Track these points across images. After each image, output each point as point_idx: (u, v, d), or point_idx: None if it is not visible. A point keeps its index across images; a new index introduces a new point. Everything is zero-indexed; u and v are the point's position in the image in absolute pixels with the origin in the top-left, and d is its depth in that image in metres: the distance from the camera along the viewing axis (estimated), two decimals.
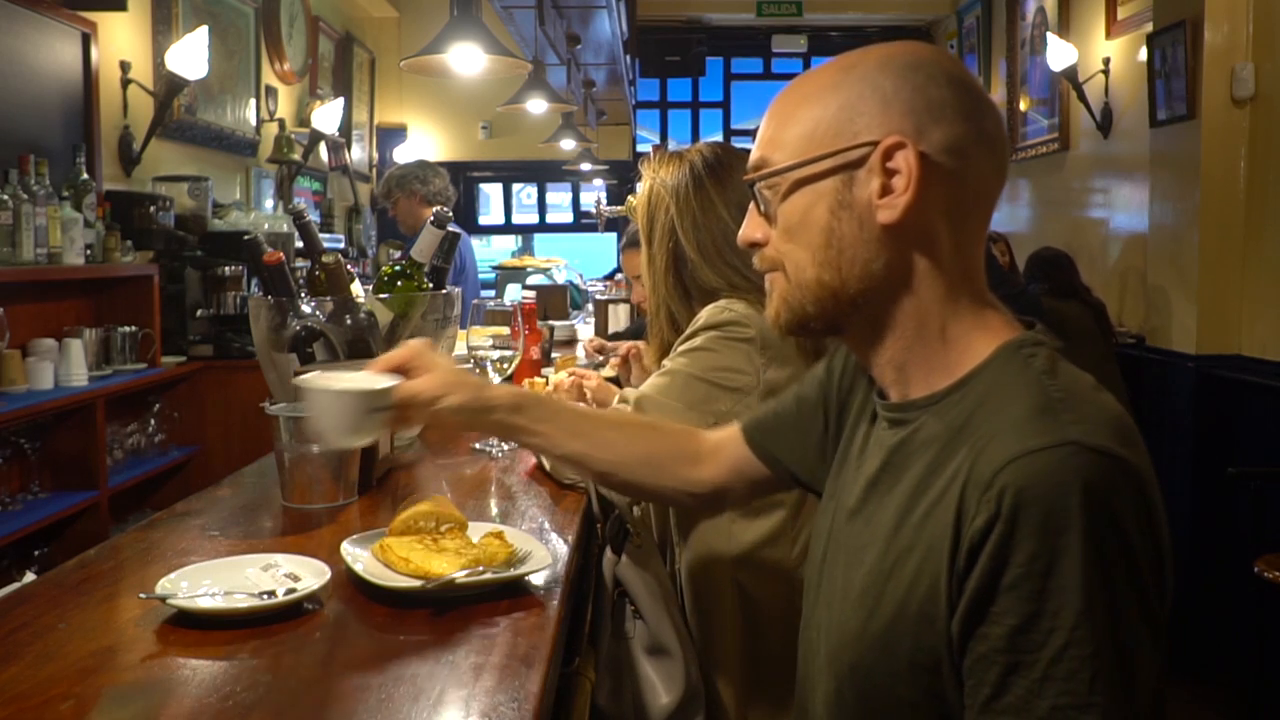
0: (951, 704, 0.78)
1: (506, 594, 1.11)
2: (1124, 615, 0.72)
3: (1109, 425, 0.76)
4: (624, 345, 2.39)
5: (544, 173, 7.84)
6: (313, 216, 3.31)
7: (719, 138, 8.16)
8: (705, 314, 1.54)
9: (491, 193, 8.37)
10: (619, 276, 5.13)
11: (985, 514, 0.74)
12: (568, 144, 5.73)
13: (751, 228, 0.93)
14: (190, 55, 3.65)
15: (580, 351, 3.35)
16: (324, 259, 1.84)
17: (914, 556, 0.80)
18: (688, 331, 1.55)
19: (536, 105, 3.91)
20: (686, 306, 1.61)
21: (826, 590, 0.94)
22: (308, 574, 1.11)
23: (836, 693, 0.89)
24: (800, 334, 0.94)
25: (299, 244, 2.65)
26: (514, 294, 5.49)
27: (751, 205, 0.93)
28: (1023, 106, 6.11)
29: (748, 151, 0.99)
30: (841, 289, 0.87)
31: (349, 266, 1.93)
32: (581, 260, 7.55)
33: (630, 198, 3.60)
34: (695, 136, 8.50)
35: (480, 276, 5.11)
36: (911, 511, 0.83)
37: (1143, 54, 4.24)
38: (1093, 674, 0.70)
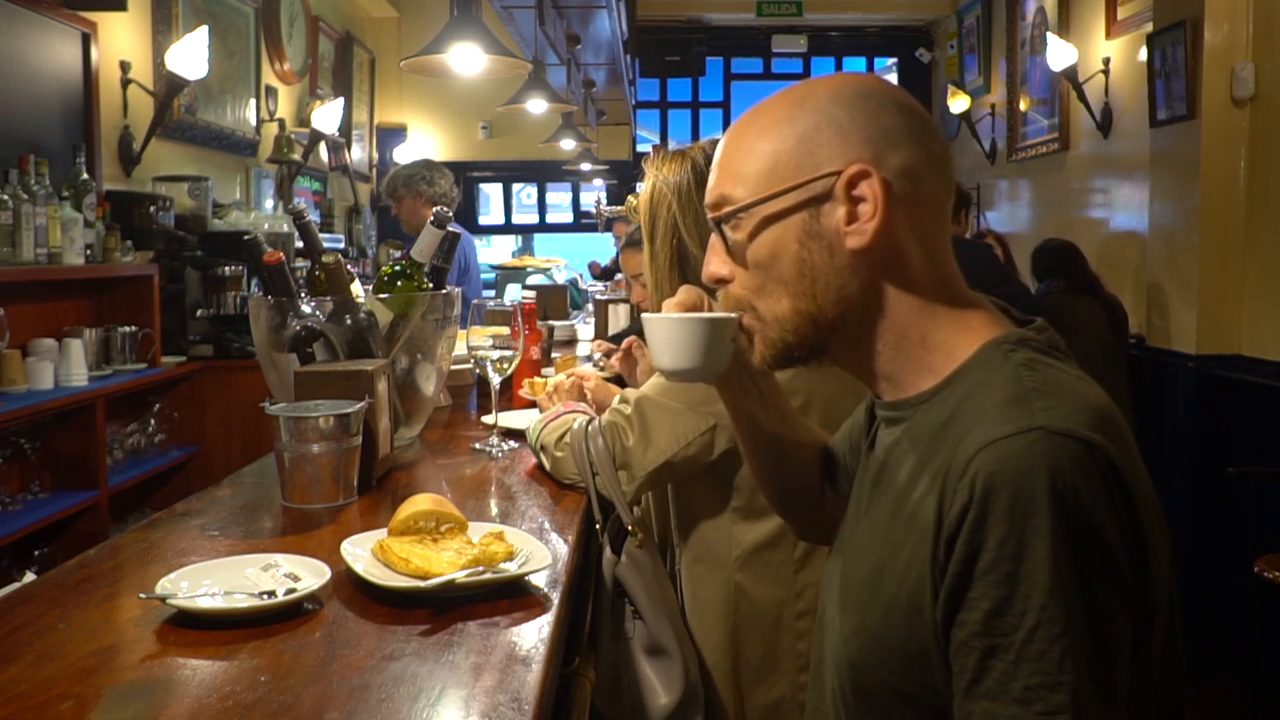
0: (944, 696, 0.79)
1: (506, 594, 1.11)
2: (1097, 597, 0.73)
3: (1082, 412, 0.77)
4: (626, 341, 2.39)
5: (544, 173, 7.84)
6: (313, 216, 3.31)
7: (719, 137, 8.14)
8: None
9: (491, 193, 8.37)
10: (618, 276, 5.12)
11: (960, 501, 0.75)
12: (568, 144, 5.73)
13: (717, 264, 0.94)
14: (190, 55, 3.65)
15: (585, 350, 3.37)
16: (324, 259, 1.85)
17: (904, 550, 0.82)
18: None
19: (536, 105, 3.90)
20: None
21: (834, 590, 0.96)
22: (308, 574, 1.11)
23: (840, 690, 0.90)
24: (787, 366, 0.94)
25: (299, 244, 2.66)
26: (514, 294, 5.50)
27: (715, 241, 0.94)
28: (1023, 106, 6.11)
29: None
30: (819, 315, 0.89)
31: (349, 266, 1.93)
32: (581, 260, 7.55)
33: (630, 198, 3.59)
34: (695, 137, 8.49)
35: (481, 276, 5.11)
36: (903, 507, 0.84)
37: (1143, 54, 4.24)
38: (1062, 652, 0.71)
